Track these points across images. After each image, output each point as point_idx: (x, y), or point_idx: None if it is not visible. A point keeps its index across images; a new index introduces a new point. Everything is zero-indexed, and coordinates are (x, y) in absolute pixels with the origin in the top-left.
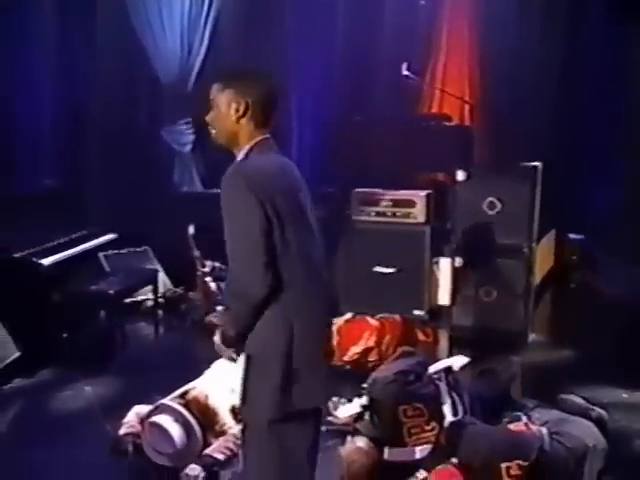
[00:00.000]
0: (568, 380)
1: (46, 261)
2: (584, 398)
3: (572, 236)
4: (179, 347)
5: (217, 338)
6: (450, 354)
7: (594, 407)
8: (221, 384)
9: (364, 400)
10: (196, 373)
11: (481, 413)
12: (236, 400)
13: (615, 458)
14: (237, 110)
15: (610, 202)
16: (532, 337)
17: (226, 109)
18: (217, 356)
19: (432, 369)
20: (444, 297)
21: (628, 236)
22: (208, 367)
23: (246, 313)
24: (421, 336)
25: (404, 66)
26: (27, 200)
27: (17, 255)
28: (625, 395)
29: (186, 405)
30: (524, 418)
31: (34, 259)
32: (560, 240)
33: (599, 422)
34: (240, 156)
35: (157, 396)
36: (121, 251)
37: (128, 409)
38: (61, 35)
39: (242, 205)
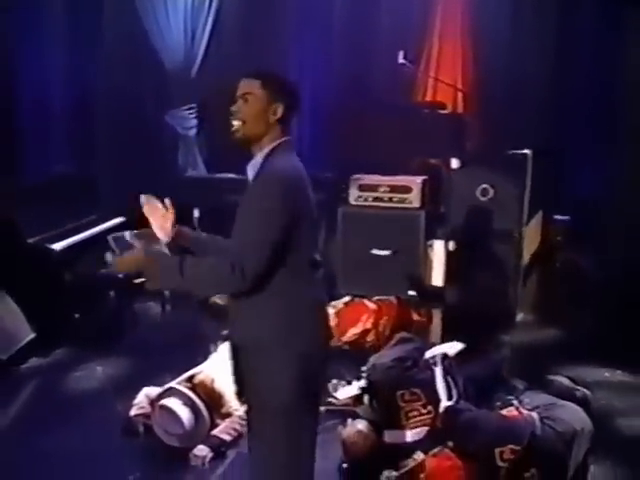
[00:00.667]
0: (553, 359)
1: (57, 246)
2: (570, 378)
3: (558, 217)
4: (186, 326)
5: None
6: (443, 333)
7: (579, 387)
8: (226, 368)
9: (363, 383)
10: (201, 351)
11: (474, 395)
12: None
13: (596, 435)
14: (275, 112)
15: (594, 185)
16: (520, 317)
17: (264, 108)
18: (221, 336)
19: (428, 354)
20: (438, 278)
21: (611, 218)
22: (214, 345)
23: (224, 284)
24: (415, 316)
25: (400, 54)
26: (38, 186)
27: (30, 241)
28: (607, 374)
29: (193, 389)
30: (516, 403)
31: (46, 244)
32: (546, 221)
33: (584, 402)
34: (260, 155)
35: (165, 375)
36: (130, 232)
37: (138, 388)
38: (70, 26)
39: (273, 203)
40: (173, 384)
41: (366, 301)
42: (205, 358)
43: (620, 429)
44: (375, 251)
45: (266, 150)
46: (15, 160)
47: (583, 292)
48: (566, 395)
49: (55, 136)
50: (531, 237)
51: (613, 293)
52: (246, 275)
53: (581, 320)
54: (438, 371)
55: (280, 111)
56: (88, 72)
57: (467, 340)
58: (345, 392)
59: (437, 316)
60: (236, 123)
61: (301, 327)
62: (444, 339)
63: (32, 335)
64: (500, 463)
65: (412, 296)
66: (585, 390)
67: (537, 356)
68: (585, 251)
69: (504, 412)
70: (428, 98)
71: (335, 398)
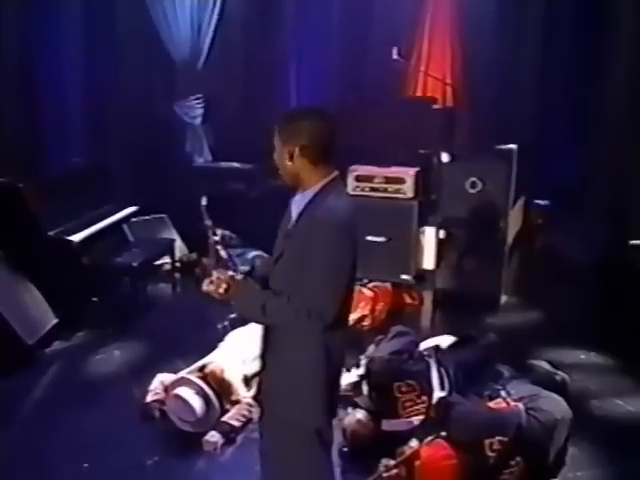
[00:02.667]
0: (532, 341)
1: (76, 237)
2: (549, 362)
3: (538, 202)
4: (196, 309)
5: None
6: (433, 314)
7: (558, 372)
8: (234, 357)
9: (361, 371)
10: (210, 333)
11: (464, 381)
12: (247, 370)
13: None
14: (290, 155)
15: (572, 174)
16: (503, 299)
17: (281, 153)
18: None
19: (423, 346)
20: (429, 262)
21: (587, 203)
22: (222, 326)
23: (304, 326)
24: (408, 299)
25: (394, 51)
26: (56, 180)
27: (51, 233)
28: (582, 356)
29: (204, 378)
30: (503, 393)
31: (66, 237)
32: (528, 205)
33: (563, 385)
34: (311, 191)
35: (178, 356)
36: (143, 218)
37: (153, 369)
38: (84, 23)
39: (339, 247)
40: (186, 374)
41: (363, 289)
42: (214, 339)
43: (595, 410)
44: (370, 237)
45: (316, 187)
46: (34, 156)
47: (559, 275)
48: (546, 379)
49: (70, 130)
50: (514, 220)
51: (588, 276)
52: (325, 320)
53: (558, 303)
54: (432, 363)
55: (296, 153)
56: (102, 67)
57: (455, 321)
58: (345, 379)
59: (428, 298)
60: (279, 171)
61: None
62: (434, 320)
63: (55, 320)
64: (489, 453)
65: (404, 279)
66: (564, 374)
67: (517, 339)
68: (562, 234)
69: (493, 404)
70: (419, 93)
71: None
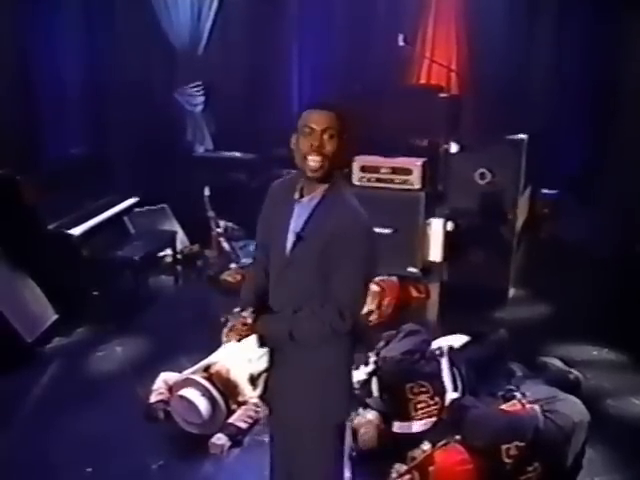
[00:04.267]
0: (542, 338)
1: (76, 231)
2: (562, 360)
3: (545, 191)
4: (198, 302)
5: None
6: (440, 308)
7: (572, 370)
8: (239, 356)
9: (370, 368)
10: (214, 327)
11: (476, 381)
12: (254, 369)
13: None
14: (345, 145)
15: (580, 163)
16: (512, 292)
17: (342, 142)
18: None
19: (435, 345)
20: (436, 254)
21: (596, 193)
22: (224, 319)
23: (334, 330)
24: (415, 292)
25: (400, 37)
26: (55, 172)
27: (51, 227)
28: (595, 352)
29: (210, 378)
30: (519, 395)
31: (65, 230)
32: (534, 195)
33: (576, 384)
34: (320, 190)
35: (181, 352)
36: (143, 209)
37: (156, 367)
38: (82, 10)
39: (373, 243)
40: (191, 374)
41: (370, 284)
42: (218, 334)
43: (610, 409)
44: (376, 229)
45: (327, 185)
46: (32, 148)
47: (567, 267)
48: (560, 378)
49: (68, 120)
50: (521, 210)
51: (596, 269)
52: (354, 318)
53: (567, 297)
54: (444, 362)
55: (347, 143)
56: (100, 55)
57: (462, 315)
58: (354, 377)
59: (435, 291)
60: (318, 159)
61: None
62: (441, 314)
63: (55, 316)
64: (506, 459)
65: (411, 272)
66: (577, 373)
67: (526, 334)
68: (569, 224)
69: (508, 407)
70: (424, 80)
71: None
